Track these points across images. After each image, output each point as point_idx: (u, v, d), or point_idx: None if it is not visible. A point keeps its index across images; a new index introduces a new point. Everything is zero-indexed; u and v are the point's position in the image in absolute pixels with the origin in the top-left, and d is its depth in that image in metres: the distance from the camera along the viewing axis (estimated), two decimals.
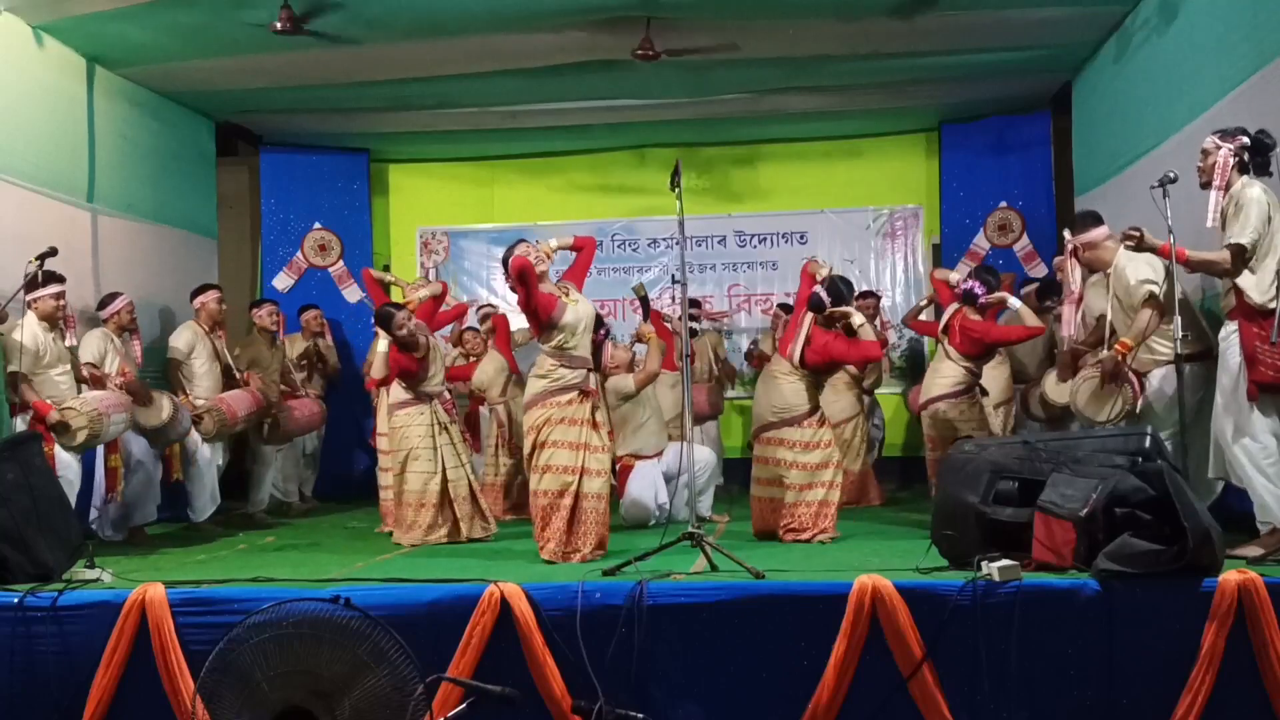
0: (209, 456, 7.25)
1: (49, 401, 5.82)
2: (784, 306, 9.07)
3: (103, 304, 6.93)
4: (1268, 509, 4.60)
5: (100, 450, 6.41)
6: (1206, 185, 4.80)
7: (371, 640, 3.51)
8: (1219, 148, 4.74)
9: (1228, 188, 4.72)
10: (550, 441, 5.31)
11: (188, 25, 6.91)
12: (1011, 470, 4.46)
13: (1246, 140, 4.71)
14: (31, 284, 5.91)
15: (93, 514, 6.61)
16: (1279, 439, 4.62)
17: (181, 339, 7.42)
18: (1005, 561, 3.97)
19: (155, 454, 6.81)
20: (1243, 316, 4.65)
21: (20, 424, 5.82)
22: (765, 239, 9.88)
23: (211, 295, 7.65)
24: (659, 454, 6.92)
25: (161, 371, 7.53)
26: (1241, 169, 4.72)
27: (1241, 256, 4.63)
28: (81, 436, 5.77)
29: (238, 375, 7.62)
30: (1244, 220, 4.61)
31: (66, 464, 5.74)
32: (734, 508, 7.53)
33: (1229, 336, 4.72)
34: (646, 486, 6.85)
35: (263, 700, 3.51)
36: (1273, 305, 4.57)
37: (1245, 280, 4.62)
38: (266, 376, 7.91)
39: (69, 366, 6.10)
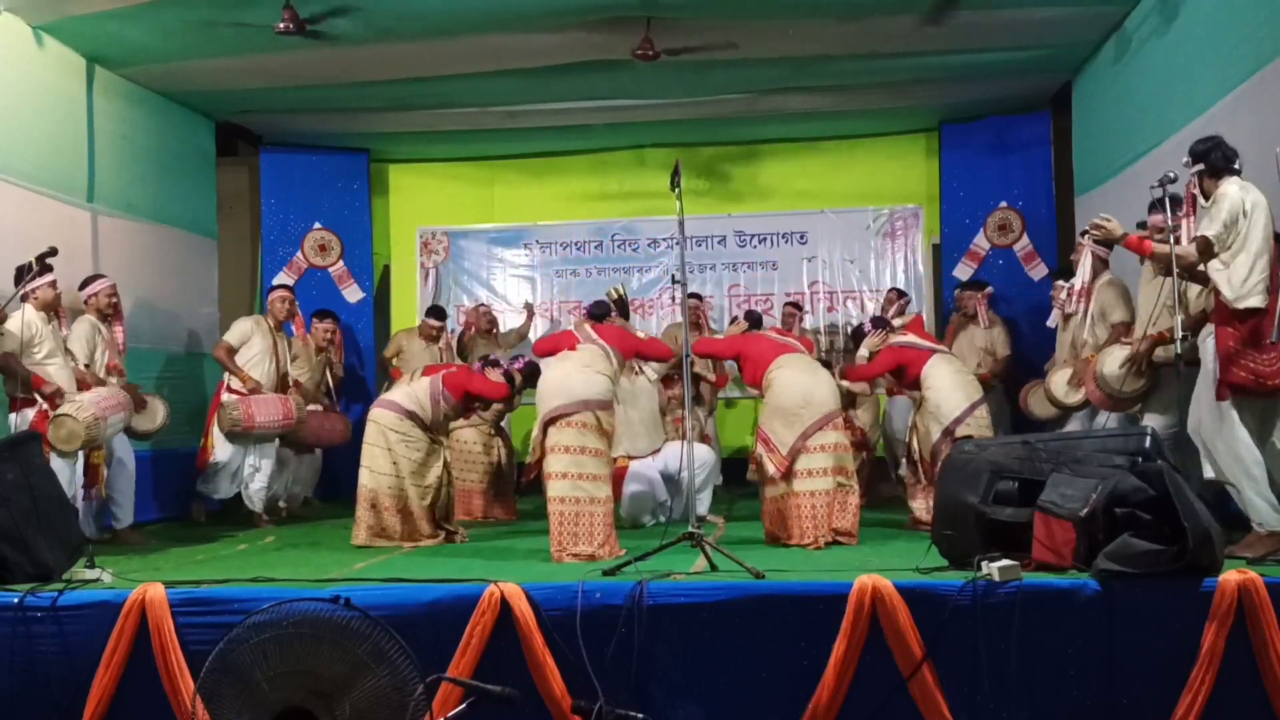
0: (226, 458, 7.35)
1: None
2: (794, 304, 9.13)
3: (84, 284, 6.69)
4: (1258, 510, 4.61)
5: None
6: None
7: (371, 640, 3.51)
8: (1187, 177, 4.82)
9: (1206, 197, 4.77)
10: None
11: (188, 25, 6.91)
12: (1011, 470, 4.46)
13: (1202, 166, 4.75)
14: (31, 276, 5.91)
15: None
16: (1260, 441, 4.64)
17: (237, 330, 7.51)
18: (1005, 561, 3.96)
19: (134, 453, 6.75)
20: (1219, 317, 4.66)
21: (17, 423, 5.82)
22: (765, 239, 9.88)
23: (278, 294, 7.86)
24: (654, 453, 6.93)
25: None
26: (1214, 173, 4.74)
27: (1209, 250, 4.63)
28: (78, 443, 5.77)
29: (291, 383, 7.72)
30: (1213, 214, 4.64)
31: (59, 469, 5.74)
32: (733, 508, 7.54)
33: (1207, 338, 4.74)
34: (644, 485, 6.86)
35: (263, 700, 3.51)
36: (1249, 304, 4.57)
37: (1218, 276, 4.62)
38: (303, 380, 8.03)
39: (64, 359, 6.09)
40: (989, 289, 8.34)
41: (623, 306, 6.46)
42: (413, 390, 6.43)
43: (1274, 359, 4.55)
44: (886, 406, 8.41)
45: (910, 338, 6.69)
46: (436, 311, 8.95)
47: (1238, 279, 4.58)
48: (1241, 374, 4.55)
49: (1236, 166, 4.74)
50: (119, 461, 6.55)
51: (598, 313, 6.16)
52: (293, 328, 8.17)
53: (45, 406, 5.84)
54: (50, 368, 5.97)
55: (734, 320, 7.30)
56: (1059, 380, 6.60)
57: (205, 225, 9.10)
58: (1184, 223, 4.80)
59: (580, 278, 9.98)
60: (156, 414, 6.80)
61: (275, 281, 9.64)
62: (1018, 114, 9.31)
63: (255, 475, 7.49)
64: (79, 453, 5.90)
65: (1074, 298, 6.74)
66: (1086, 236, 5.80)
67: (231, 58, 7.53)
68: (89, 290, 6.65)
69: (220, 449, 7.36)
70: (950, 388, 6.36)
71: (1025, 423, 7.47)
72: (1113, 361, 5.61)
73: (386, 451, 6.25)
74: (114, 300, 6.68)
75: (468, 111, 8.98)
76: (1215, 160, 4.73)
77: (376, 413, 6.36)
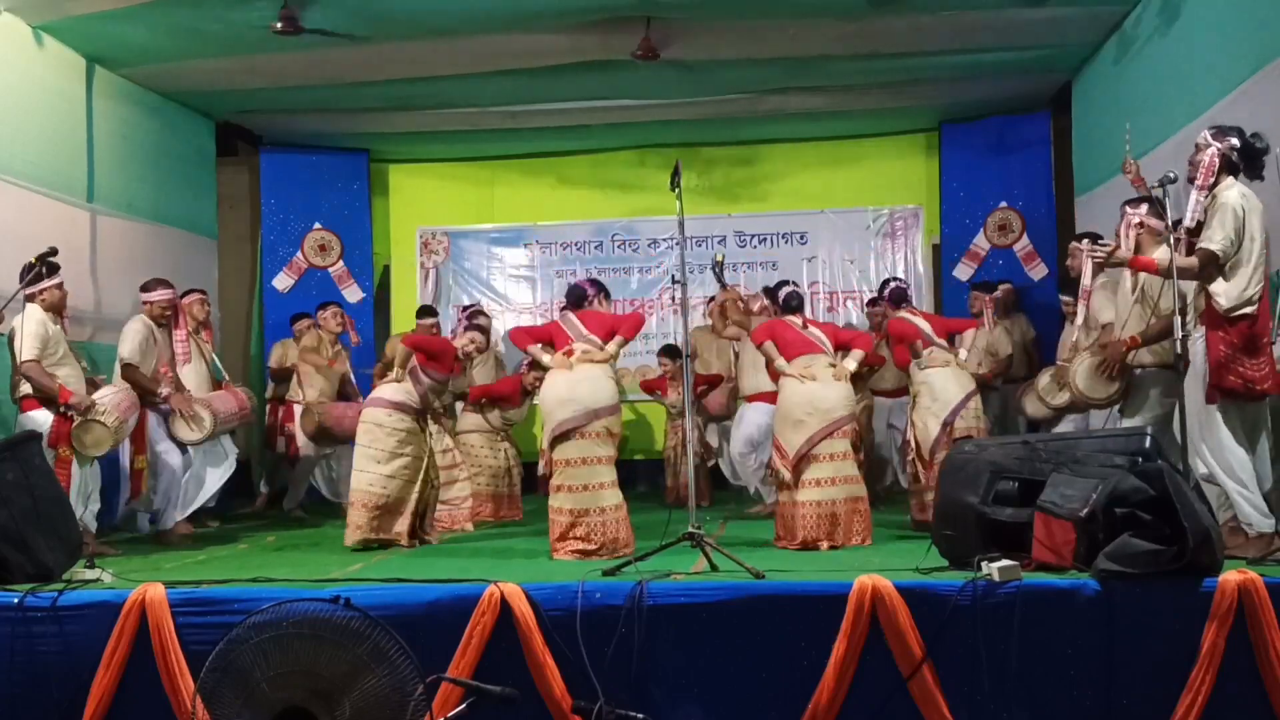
0: (178, 462, 6.72)
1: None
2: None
3: (150, 288, 6.60)
4: (1244, 512, 4.60)
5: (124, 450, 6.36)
6: (1194, 181, 4.76)
7: (371, 640, 3.51)
8: (1208, 146, 4.68)
9: (1213, 187, 4.69)
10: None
11: (188, 25, 6.92)
12: (1011, 470, 4.45)
13: (1236, 142, 4.64)
14: (35, 277, 5.82)
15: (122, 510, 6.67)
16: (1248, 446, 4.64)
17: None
18: (1005, 561, 3.96)
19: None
20: (1210, 323, 4.65)
21: (27, 424, 5.75)
22: (765, 239, 9.88)
23: (194, 297, 7.44)
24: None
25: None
26: (1230, 170, 4.67)
27: (1213, 263, 4.60)
28: (104, 448, 5.78)
29: (224, 380, 7.50)
30: (1216, 226, 4.59)
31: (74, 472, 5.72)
32: (741, 507, 7.54)
33: (1197, 340, 4.73)
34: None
35: (263, 700, 3.50)
36: (1242, 311, 4.55)
37: (1216, 287, 4.61)
38: (323, 379, 7.93)
39: (74, 362, 6.02)
40: (997, 291, 8.29)
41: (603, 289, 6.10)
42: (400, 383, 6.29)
43: (1264, 364, 4.57)
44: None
45: (920, 321, 6.61)
46: (428, 310, 8.87)
47: (1236, 290, 4.57)
48: (1232, 379, 4.55)
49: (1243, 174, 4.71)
50: (163, 461, 6.47)
51: (575, 298, 5.96)
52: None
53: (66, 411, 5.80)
54: (64, 370, 5.85)
55: (761, 297, 7.17)
56: (1044, 381, 6.67)
57: (205, 225, 9.11)
58: (1188, 196, 4.71)
59: (580, 278, 9.94)
60: (204, 423, 6.69)
61: (277, 285, 9.69)
62: (1018, 114, 9.33)
63: (206, 479, 7.06)
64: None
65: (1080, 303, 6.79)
66: (1085, 242, 5.80)
67: (231, 58, 7.54)
68: (153, 296, 6.57)
69: (172, 456, 6.79)
70: (943, 380, 6.36)
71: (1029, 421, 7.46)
72: (1084, 368, 5.54)
73: (377, 450, 6.17)
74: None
75: (468, 111, 8.99)
76: (1249, 164, 4.67)
77: (366, 412, 6.28)
